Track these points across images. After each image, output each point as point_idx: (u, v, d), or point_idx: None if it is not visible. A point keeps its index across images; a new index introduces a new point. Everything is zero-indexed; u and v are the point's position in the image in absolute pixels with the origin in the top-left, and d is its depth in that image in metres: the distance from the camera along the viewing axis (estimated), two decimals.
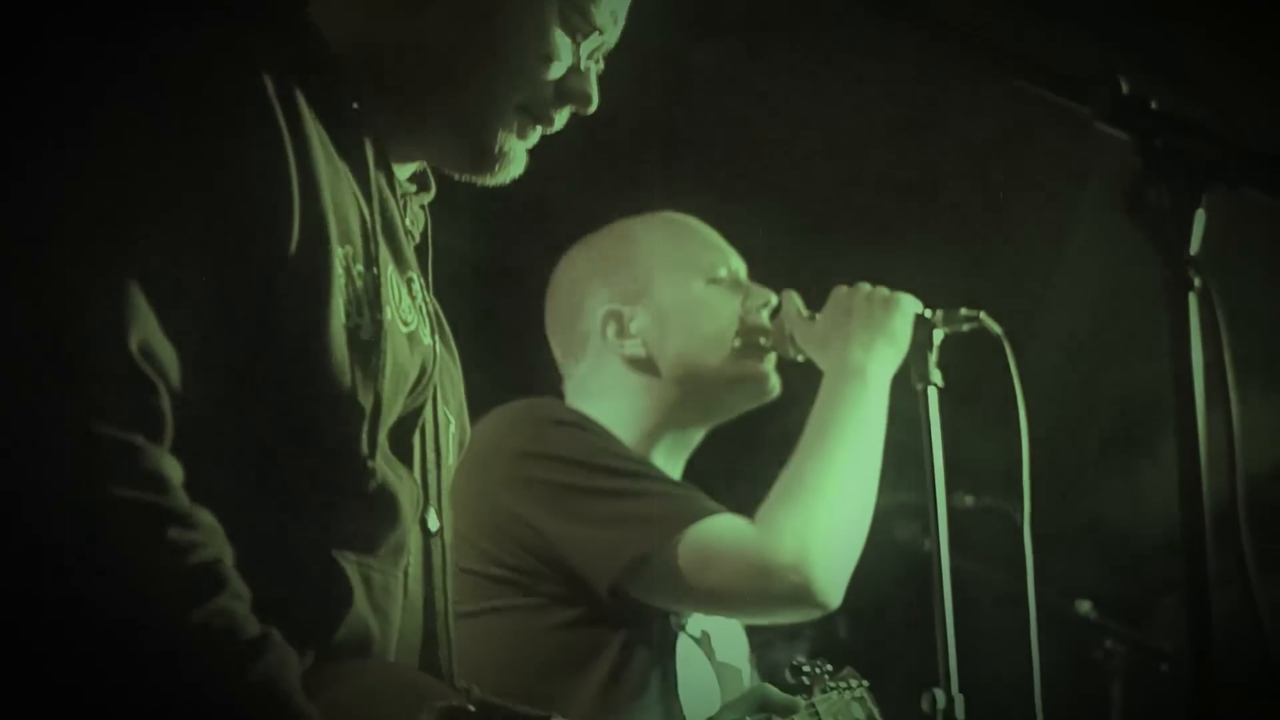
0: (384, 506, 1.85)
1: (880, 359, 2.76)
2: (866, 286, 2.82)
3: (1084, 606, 3.94)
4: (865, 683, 2.39)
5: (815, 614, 2.65)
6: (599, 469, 2.67)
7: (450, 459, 2.02)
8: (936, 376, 2.76)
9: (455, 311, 2.08)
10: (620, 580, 2.63)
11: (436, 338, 1.96)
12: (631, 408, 2.86)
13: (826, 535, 2.62)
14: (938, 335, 2.79)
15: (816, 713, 2.25)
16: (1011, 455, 2.78)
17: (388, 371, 1.81)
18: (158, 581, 1.62)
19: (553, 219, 3.37)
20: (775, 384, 2.89)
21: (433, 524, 1.95)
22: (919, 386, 2.75)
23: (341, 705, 1.73)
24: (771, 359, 2.89)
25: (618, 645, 2.67)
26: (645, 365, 2.87)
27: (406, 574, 1.91)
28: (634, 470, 2.70)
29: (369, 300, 1.81)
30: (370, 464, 1.81)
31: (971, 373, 2.80)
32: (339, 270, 1.78)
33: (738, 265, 2.94)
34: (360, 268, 1.81)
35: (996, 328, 2.78)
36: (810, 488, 2.65)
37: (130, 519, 1.61)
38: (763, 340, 2.87)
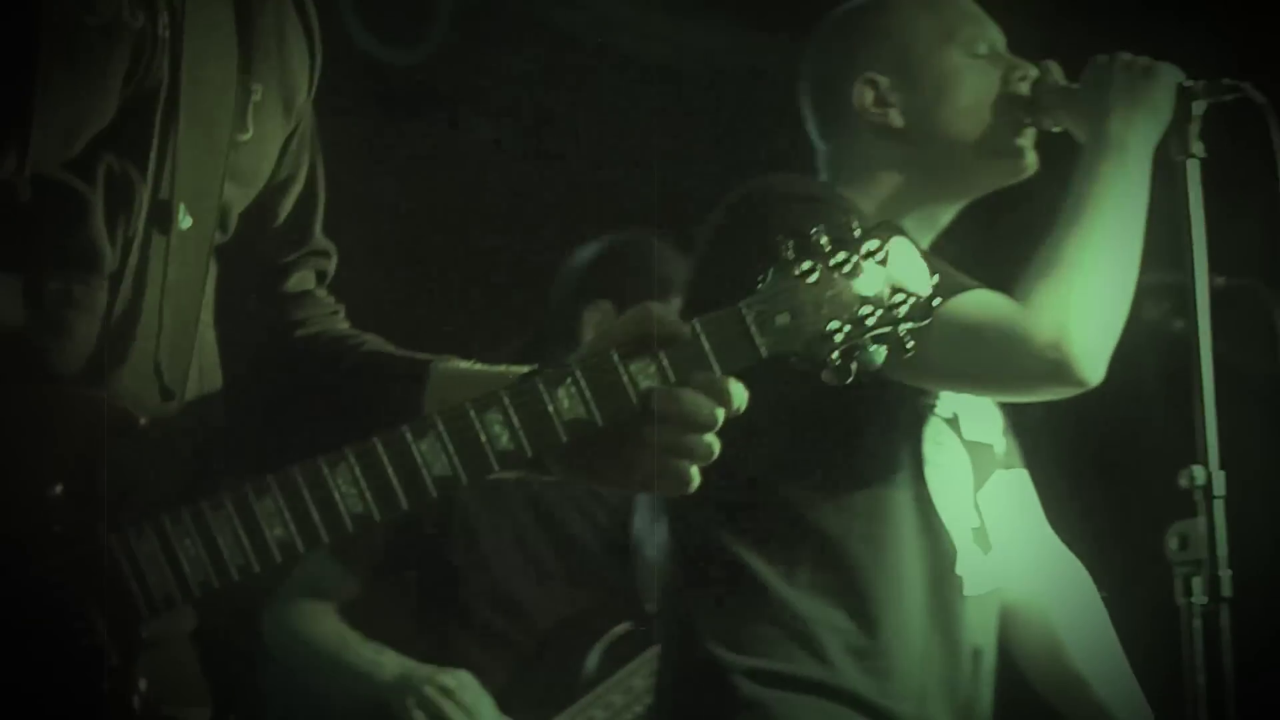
0: (42, 214, 1.78)
1: (1140, 130, 2.68)
2: (1126, 55, 2.74)
3: None
4: (899, 241, 1.93)
5: (1073, 392, 2.62)
6: None
7: (221, 144, 1.91)
8: (1198, 149, 2.69)
9: None
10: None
11: None
12: (882, 182, 2.83)
13: (1087, 311, 2.58)
14: (1199, 106, 2.71)
15: (743, 325, 1.86)
16: (1269, 233, 2.72)
17: None
18: None
19: None
20: (1032, 161, 2.84)
21: (183, 221, 1.87)
22: (1179, 159, 2.68)
23: None
24: (1029, 135, 2.84)
25: (866, 426, 2.69)
26: (899, 137, 2.83)
27: (119, 279, 1.83)
28: None
29: None
30: (13, 179, 1.74)
31: (1229, 147, 2.73)
32: None
33: (996, 37, 2.88)
34: None
35: (1261, 98, 2.70)
36: (1069, 263, 2.61)
37: None
38: (1021, 113, 2.82)
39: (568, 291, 4.05)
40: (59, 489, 1.73)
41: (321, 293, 2.12)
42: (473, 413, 1.79)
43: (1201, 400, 2.63)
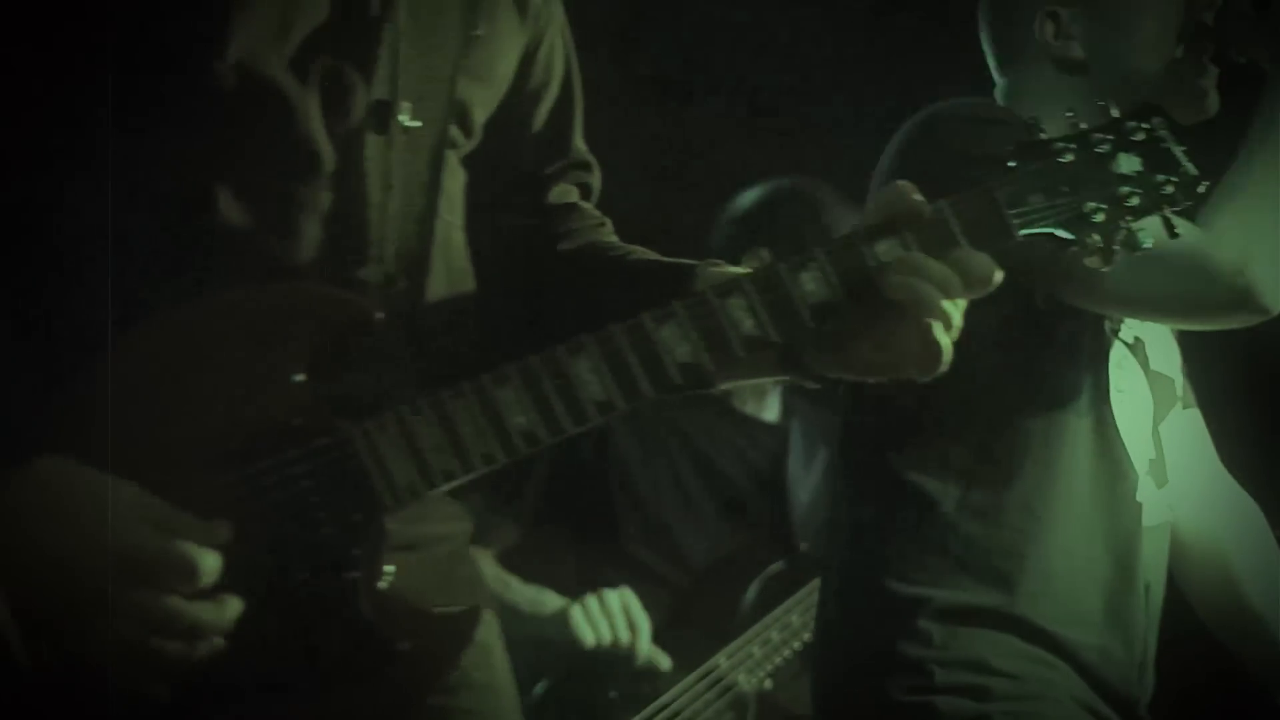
0: (251, 110, 1.79)
1: None
2: None
3: None
4: (1159, 120, 1.95)
5: (1256, 319, 2.59)
6: None
7: (451, 42, 1.90)
8: None
9: None
10: (1055, 284, 2.62)
11: None
12: (1064, 113, 2.80)
13: (1272, 239, 2.55)
14: None
15: (994, 204, 1.87)
16: None
17: None
18: None
19: None
20: (1214, 103, 2.80)
21: (408, 120, 1.87)
22: None
23: (189, 341, 1.74)
24: (1212, 76, 2.80)
25: (1049, 349, 2.68)
26: (1080, 69, 2.81)
27: (340, 179, 1.83)
28: None
29: None
30: (216, 64, 1.74)
31: None
32: None
33: None
34: None
35: None
36: (1255, 191, 2.57)
37: None
38: (1206, 43, 2.78)
39: (725, 237, 4.05)
40: (300, 378, 1.74)
41: (586, 206, 2.12)
42: (715, 298, 1.78)
43: None
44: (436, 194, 1.91)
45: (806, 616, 3.91)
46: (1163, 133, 1.91)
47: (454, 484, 1.76)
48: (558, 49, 2.07)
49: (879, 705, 2.68)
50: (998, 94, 2.92)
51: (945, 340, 1.84)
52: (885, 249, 1.83)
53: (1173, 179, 1.90)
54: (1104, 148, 1.90)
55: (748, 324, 1.79)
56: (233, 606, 1.68)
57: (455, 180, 1.96)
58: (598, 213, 2.13)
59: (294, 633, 1.71)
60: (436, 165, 1.91)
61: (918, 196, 1.85)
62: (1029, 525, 2.71)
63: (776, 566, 4.04)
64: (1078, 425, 2.71)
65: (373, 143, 1.84)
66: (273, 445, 1.72)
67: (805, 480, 4.31)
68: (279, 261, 1.80)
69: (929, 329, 1.83)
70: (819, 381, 1.95)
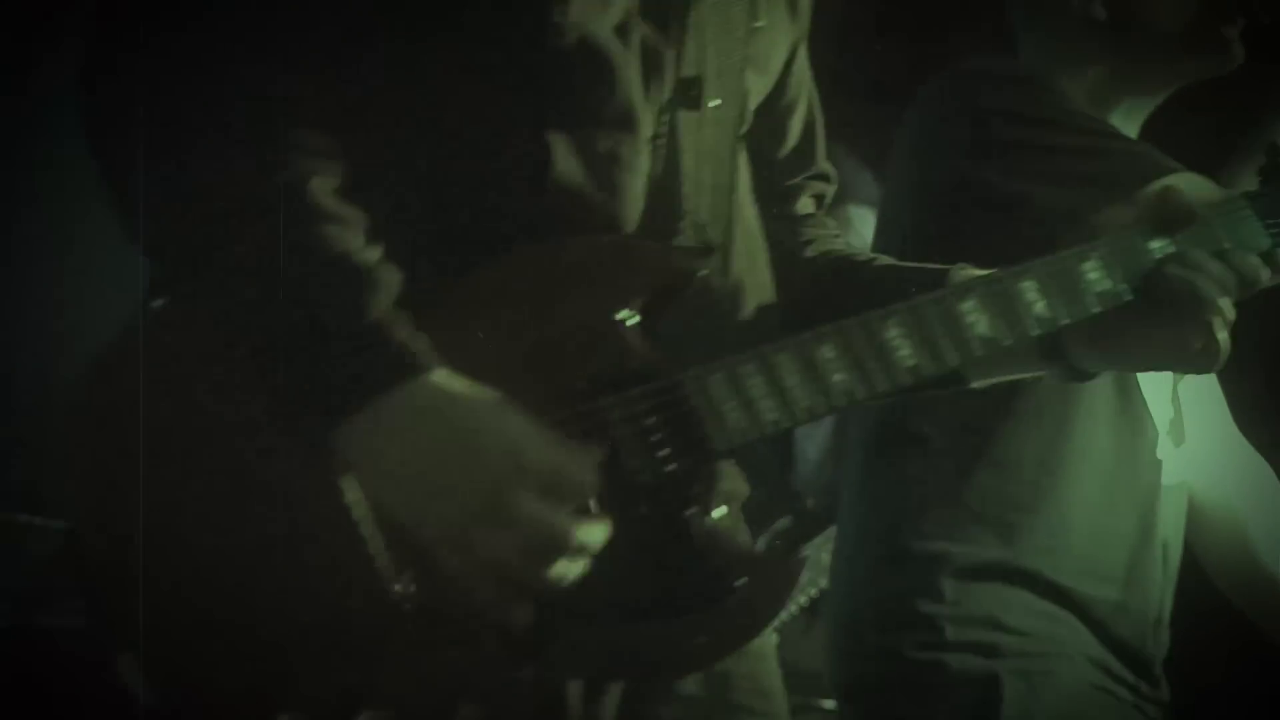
0: (583, 68, 1.82)
1: None
2: None
3: None
4: None
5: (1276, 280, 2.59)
6: (1056, 126, 2.62)
7: (740, 29, 1.96)
8: None
9: None
10: (1070, 242, 2.60)
11: None
12: (1087, 72, 2.78)
13: None
14: None
15: (1253, 211, 2.02)
16: None
17: None
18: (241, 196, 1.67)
19: None
20: (1238, 53, 2.78)
21: (711, 99, 1.91)
22: None
23: (513, 282, 1.78)
24: (1237, 25, 2.78)
25: None
26: (1104, 28, 2.78)
27: (657, 145, 1.88)
28: (1092, 128, 2.65)
29: None
30: (556, 19, 1.78)
31: None
32: None
33: None
34: None
35: None
36: None
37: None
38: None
39: None
40: (635, 322, 1.79)
41: (822, 215, 2.18)
42: (1009, 279, 1.90)
43: None
44: (735, 171, 1.98)
45: (813, 573, 3.91)
46: None
47: (779, 431, 1.83)
48: (806, 66, 2.14)
49: (891, 661, 2.68)
50: (1021, 51, 2.90)
51: (1225, 337, 1.94)
52: (1159, 246, 1.95)
53: None
54: None
55: (1039, 305, 1.90)
56: (605, 530, 1.70)
57: (743, 161, 2.02)
58: (834, 223, 2.19)
59: (642, 563, 1.75)
60: (734, 144, 1.98)
61: (1187, 197, 1.98)
62: (1045, 479, 2.71)
63: (783, 523, 4.04)
64: (1098, 381, 2.70)
65: (685, 117, 1.90)
66: (613, 384, 1.76)
67: (813, 436, 4.31)
68: (606, 217, 1.85)
69: (1211, 326, 1.92)
70: (1080, 377, 2.05)
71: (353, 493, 1.66)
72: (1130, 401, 2.72)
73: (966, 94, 2.68)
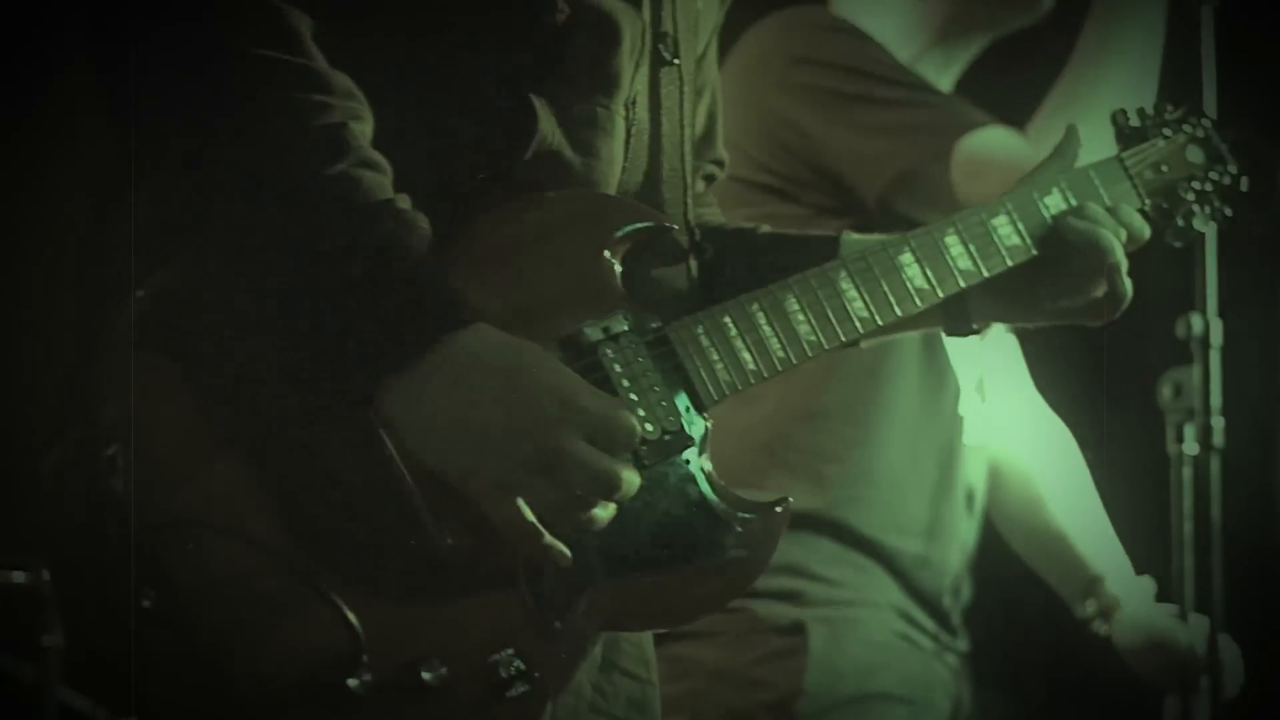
0: (579, 36, 1.82)
1: None
2: None
3: None
4: (1209, 119, 2.23)
5: None
6: (872, 77, 2.65)
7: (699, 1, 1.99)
8: None
9: None
10: (888, 192, 2.63)
11: None
12: (901, 20, 2.81)
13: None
14: None
15: (1124, 169, 2.13)
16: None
17: None
18: (282, 141, 1.64)
19: None
20: (1047, 2, 2.83)
21: (666, 54, 1.93)
22: (1196, 4, 2.66)
23: (513, 236, 1.77)
24: None
25: None
26: None
27: (631, 107, 1.89)
28: (907, 80, 2.68)
29: None
30: None
31: None
32: None
33: None
34: None
35: None
36: (1084, 103, 2.60)
37: (261, 76, 1.63)
38: None
39: None
40: (619, 274, 1.80)
41: (709, 194, 2.19)
42: (937, 234, 1.98)
43: (1201, 249, 2.65)
44: (693, 130, 2.01)
45: None
46: (1215, 133, 2.19)
47: (760, 381, 1.86)
48: (713, 58, 2.14)
49: None
50: (836, 2, 2.91)
51: (1129, 283, 2.01)
52: (1052, 201, 2.04)
53: (1229, 172, 2.18)
54: (1179, 138, 2.18)
55: (964, 261, 1.98)
56: (639, 479, 1.69)
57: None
58: (714, 198, 2.22)
59: (647, 514, 1.76)
60: (693, 103, 2.01)
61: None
62: (851, 431, 2.73)
63: None
64: (905, 339, 2.73)
65: (665, 74, 1.93)
66: (609, 334, 1.77)
67: None
68: (584, 179, 1.85)
69: (1115, 270, 2.00)
70: (978, 331, 2.09)
71: (397, 447, 1.65)
72: (935, 357, 2.76)
73: (782, 41, 2.69)
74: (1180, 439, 2.71)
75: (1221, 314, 2.67)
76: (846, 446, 2.73)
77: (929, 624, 2.80)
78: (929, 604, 2.80)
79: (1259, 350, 3.26)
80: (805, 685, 2.65)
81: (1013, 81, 2.82)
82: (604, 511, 1.67)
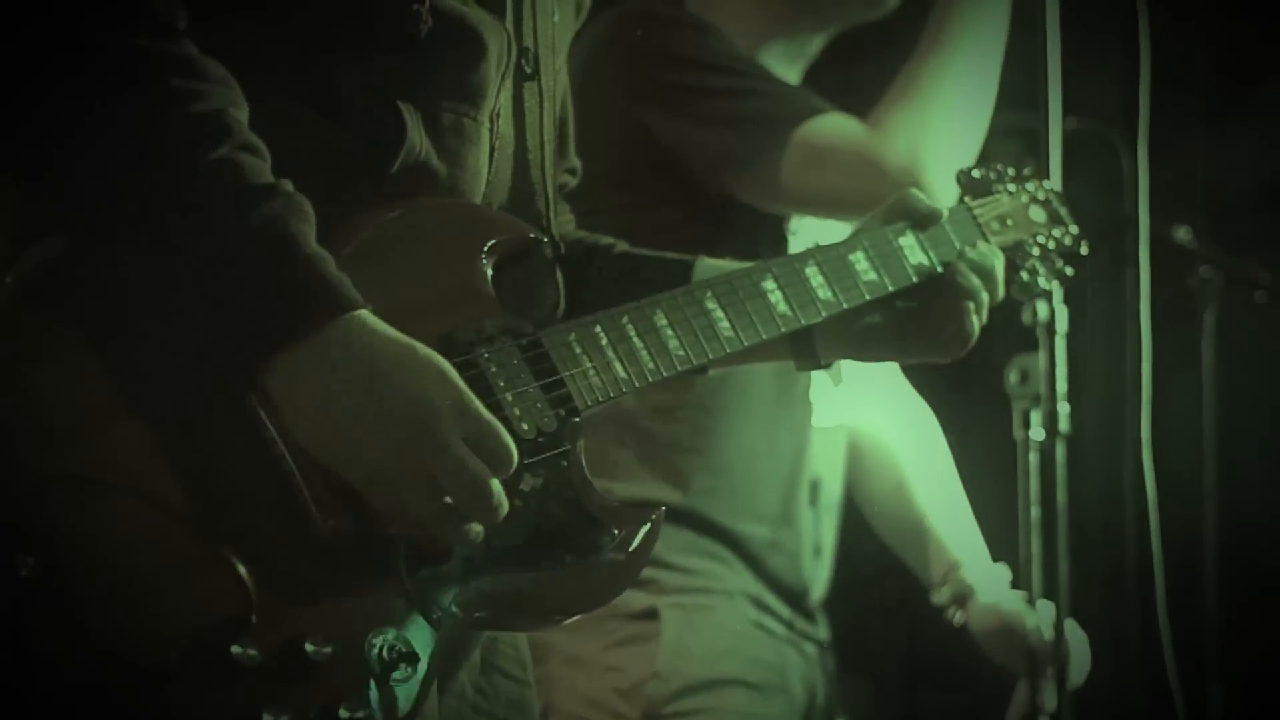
0: (443, 47, 1.82)
1: None
2: None
3: (1181, 233, 3.93)
4: (1049, 183, 2.31)
5: None
6: (712, 68, 2.65)
7: (557, 15, 2.00)
8: None
9: None
10: (729, 181, 2.63)
11: None
12: (746, 11, 2.81)
13: (941, 139, 2.60)
14: None
15: (972, 217, 2.18)
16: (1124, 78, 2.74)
17: None
18: (161, 129, 1.62)
19: None
20: None
21: (527, 68, 1.94)
22: None
23: (388, 237, 1.77)
24: None
25: (727, 249, 2.69)
26: None
27: (495, 120, 1.90)
28: (746, 70, 2.68)
29: None
30: (415, 6, 1.78)
31: None
32: None
33: None
34: None
35: None
36: (926, 92, 2.62)
37: (133, 65, 1.62)
38: None
39: None
40: (489, 283, 1.82)
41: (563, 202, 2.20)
42: (799, 264, 2.01)
43: None
44: (553, 144, 2.02)
45: None
46: (1055, 196, 2.28)
47: (630, 391, 1.88)
48: (565, 66, 2.15)
49: None
50: None
51: (977, 322, 2.07)
52: (908, 242, 2.08)
53: (1070, 233, 2.27)
54: (1023, 198, 2.26)
55: (824, 293, 2.01)
56: (507, 503, 1.69)
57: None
58: (568, 206, 2.22)
59: (527, 515, 1.77)
60: (553, 117, 2.02)
61: (930, 202, 2.12)
62: (706, 422, 2.74)
63: None
64: None
65: (526, 88, 1.95)
66: (481, 336, 1.78)
67: None
68: (450, 188, 1.86)
69: (965, 312, 2.06)
70: (819, 366, 2.13)
71: (277, 427, 1.64)
72: None
73: (626, 35, 2.68)
74: (1027, 425, 2.73)
75: (1066, 300, 2.68)
76: (701, 438, 2.73)
77: (784, 611, 2.82)
78: (782, 590, 2.81)
79: (1104, 336, 3.29)
80: (657, 669, 2.67)
81: (862, 74, 2.83)
82: (474, 528, 1.68)
